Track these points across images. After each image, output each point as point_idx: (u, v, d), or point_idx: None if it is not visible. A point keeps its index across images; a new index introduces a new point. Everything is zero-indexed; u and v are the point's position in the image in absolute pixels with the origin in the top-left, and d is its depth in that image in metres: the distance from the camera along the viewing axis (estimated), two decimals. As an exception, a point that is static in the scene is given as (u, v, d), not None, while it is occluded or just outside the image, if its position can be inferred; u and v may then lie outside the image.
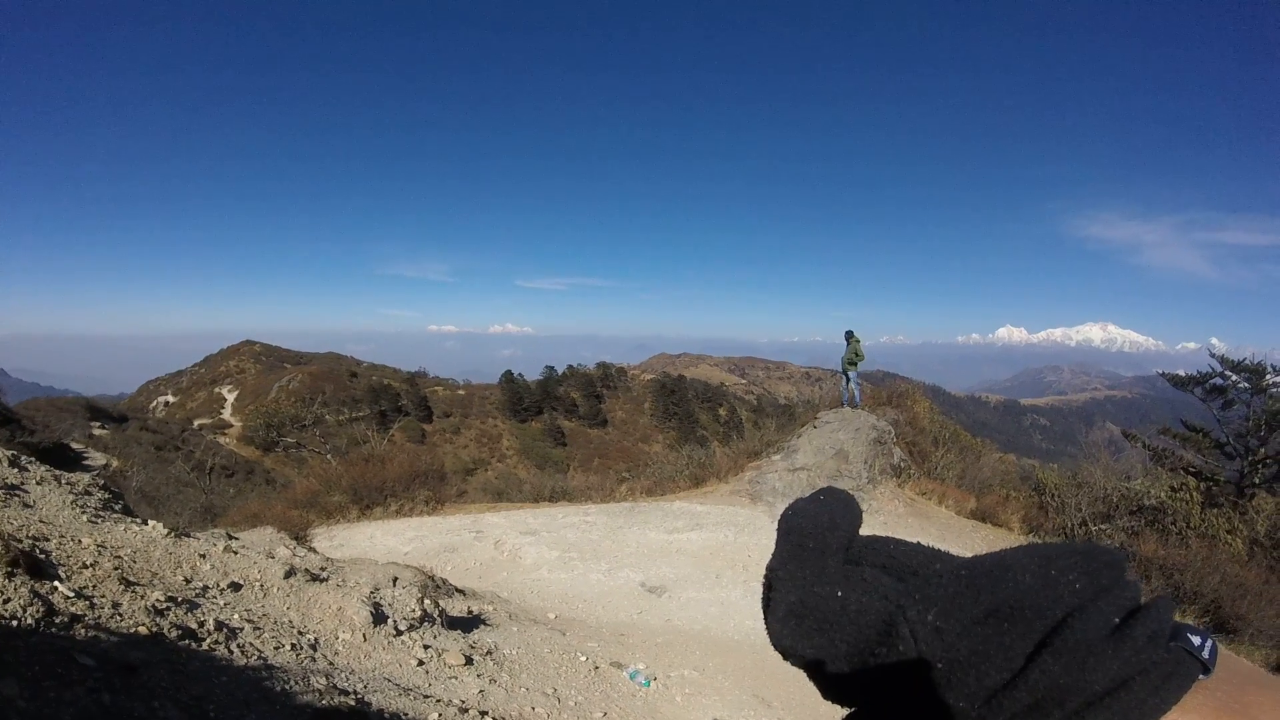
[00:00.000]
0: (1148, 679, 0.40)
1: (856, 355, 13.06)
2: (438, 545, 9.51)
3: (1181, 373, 14.98)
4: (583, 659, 5.62)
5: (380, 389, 56.92)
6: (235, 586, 3.28)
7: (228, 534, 4.39)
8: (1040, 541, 0.43)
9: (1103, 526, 10.84)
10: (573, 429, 60.81)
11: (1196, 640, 0.40)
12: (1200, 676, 0.40)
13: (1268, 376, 13.62)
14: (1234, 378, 13.98)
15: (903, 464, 12.42)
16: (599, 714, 4.80)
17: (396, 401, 56.11)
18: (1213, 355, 14.47)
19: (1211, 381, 14.28)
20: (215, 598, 3.13)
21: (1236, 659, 0.41)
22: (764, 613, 0.44)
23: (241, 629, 3.02)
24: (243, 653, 2.88)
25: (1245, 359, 13.88)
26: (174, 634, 2.63)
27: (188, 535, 3.98)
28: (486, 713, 4.05)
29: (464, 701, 4.05)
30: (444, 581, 6.22)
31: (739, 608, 7.99)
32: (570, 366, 71.63)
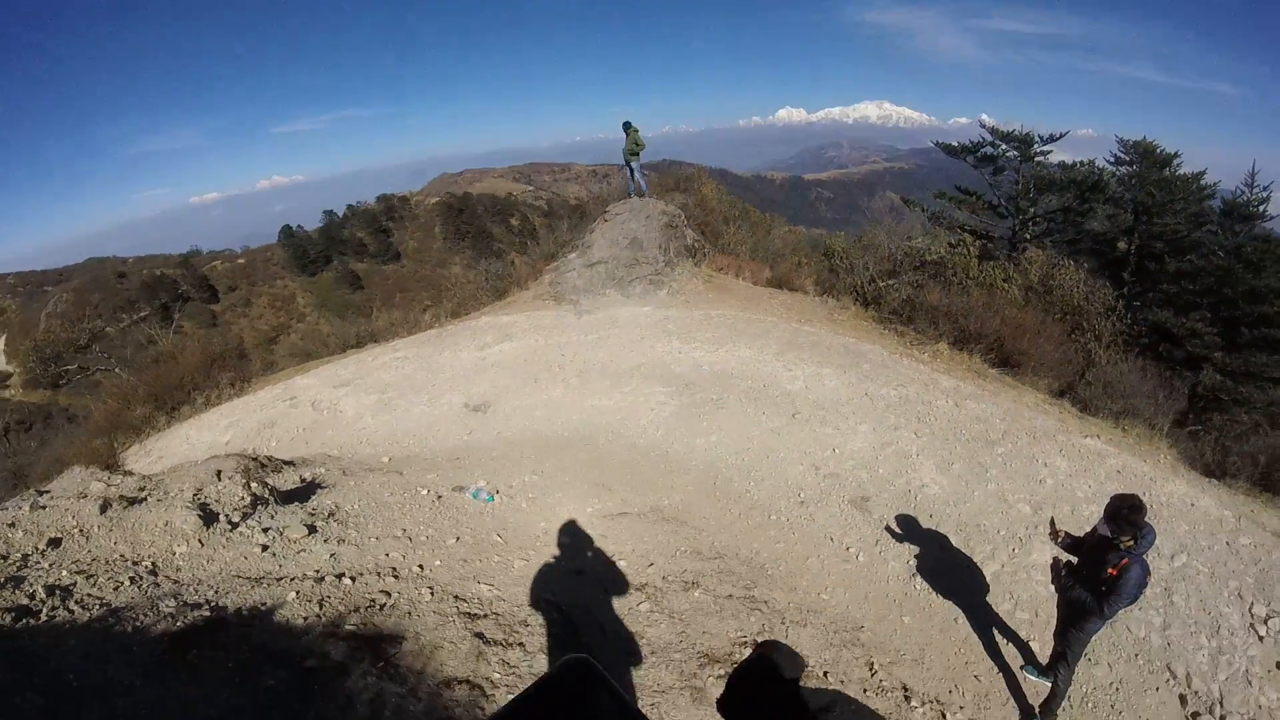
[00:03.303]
0: None
1: (636, 145, 12.94)
2: (255, 424, 9.27)
3: (955, 143, 16.44)
4: (424, 492, 5.88)
5: (155, 282, 52.89)
6: (55, 543, 3.35)
7: (36, 491, 4.21)
8: None
9: (890, 282, 11.56)
10: (366, 270, 60.40)
11: None
12: None
13: (1035, 145, 15.38)
14: (1004, 147, 15.68)
15: (696, 244, 12.90)
16: (451, 540, 5.15)
17: (176, 290, 53.27)
18: (983, 127, 16.00)
19: (983, 150, 15.95)
20: (39, 562, 3.22)
21: None
22: None
23: (74, 584, 3.17)
24: (83, 607, 3.05)
25: (1014, 129, 15.49)
26: (8, 619, 2.75)
27: (-11, 506, 3.78)
28: (343, 574, 4.29)
29: (318, 570, 4.28)
30: (270, 459, 6.21)
31: (563, 405, 8.45)
32: (350, 207, 69.46)
